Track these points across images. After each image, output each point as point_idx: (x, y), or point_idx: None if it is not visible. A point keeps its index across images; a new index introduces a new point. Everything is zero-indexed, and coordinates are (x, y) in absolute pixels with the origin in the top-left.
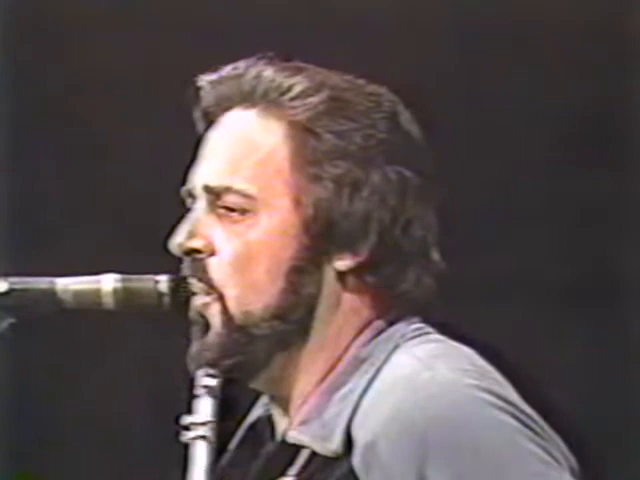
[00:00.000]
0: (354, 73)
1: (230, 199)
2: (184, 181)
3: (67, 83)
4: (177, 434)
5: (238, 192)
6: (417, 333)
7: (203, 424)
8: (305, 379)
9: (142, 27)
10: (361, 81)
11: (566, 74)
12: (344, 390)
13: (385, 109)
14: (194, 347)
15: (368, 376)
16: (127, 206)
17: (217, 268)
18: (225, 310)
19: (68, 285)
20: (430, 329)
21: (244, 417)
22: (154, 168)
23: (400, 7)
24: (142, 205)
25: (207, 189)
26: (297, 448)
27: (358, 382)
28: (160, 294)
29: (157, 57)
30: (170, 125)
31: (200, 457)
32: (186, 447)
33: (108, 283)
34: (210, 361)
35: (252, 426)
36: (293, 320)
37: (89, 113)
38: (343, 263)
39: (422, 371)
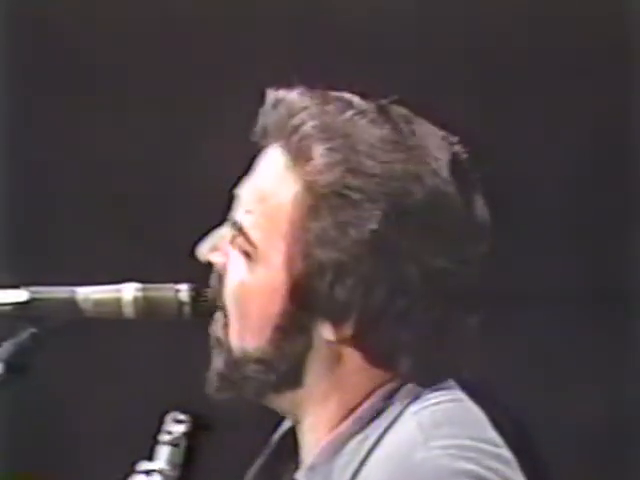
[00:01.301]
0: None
1: (239, 238)
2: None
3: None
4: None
5: (245, 235)
6: (436, 387)
7: (160, 472)
8: (317, 419)
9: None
10: (413, 159)
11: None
12: (356, 439)
13: (408, 201)
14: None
15: (380, 430)
16: (144, 212)
17: (227, 291)
18: (227, 340)
19: (89, 294)
20: (451, 382)
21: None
22: (171, 172)
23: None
24: (158, 211)
25: (232, 218)
26: None
27: (371, 433)
28: (181, 303)
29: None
30: (180, 131)
31: None
32: None
33: (129, 292)
34: (213, 388)
35: (283, 437)
36: (280, 371)
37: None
38: (327, 333)
39: (417, 448)
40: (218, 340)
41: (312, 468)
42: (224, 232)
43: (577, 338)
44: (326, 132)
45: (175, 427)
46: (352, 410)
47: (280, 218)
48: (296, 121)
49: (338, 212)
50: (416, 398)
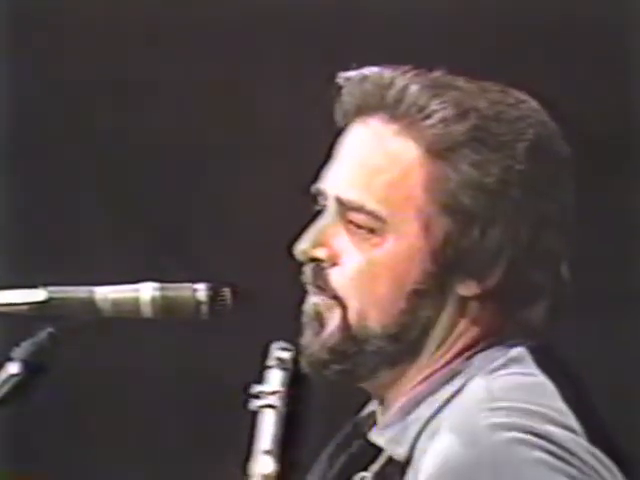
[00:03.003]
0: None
1: (360, 217)
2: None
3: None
4: (245, 403)
5: (369, 213)
6: (511, 360)
7: (272, 393)
8: (407, 386)
9: None
10: (511, 99)
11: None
12: (431, 398)
13: (528, 137)
14: (306, 341)
15: (453, 389)
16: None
17: (339, 279)
18: (345, 318)
19: (107, 294)
20: (528, 357)
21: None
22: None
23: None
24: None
25: (338, 201)
26: (380, 448)
27: (445, 392)
28: (198, 302)
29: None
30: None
31: (268, 424)
32: (254, 415)
33: (146, 292)
34: (320, 361)
35: (359, 421)
36: (406, 341)
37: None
38: (468, 290)
39: (481, 408)
40: (321, 321)
41: (387, 425)
42: (325, 224)
43: None
44: (433, 89)
45: (282, 353)
46: (433, 372)
47: (407, 184)
48: (398, 87)
49: (477, 156)
50: (491, 362)
